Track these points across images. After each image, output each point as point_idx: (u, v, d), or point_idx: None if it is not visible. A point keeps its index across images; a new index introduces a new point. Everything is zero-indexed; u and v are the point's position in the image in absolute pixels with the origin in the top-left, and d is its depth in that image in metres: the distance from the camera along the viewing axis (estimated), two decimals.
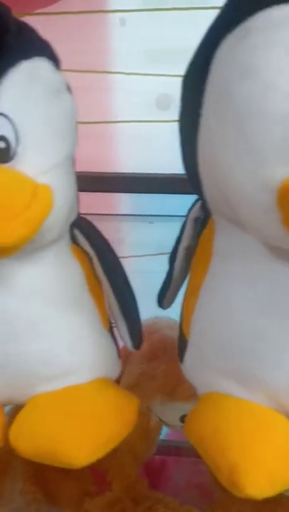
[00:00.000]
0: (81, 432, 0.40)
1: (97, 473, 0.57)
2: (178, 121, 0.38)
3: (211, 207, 0.39)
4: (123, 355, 0.52)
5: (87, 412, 0.42)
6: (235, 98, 0.29)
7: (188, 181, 0.40)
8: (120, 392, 0.46)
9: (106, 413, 0.42)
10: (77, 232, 0.44)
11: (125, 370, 0.62)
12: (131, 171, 0.71)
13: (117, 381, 0.51)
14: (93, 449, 0.40)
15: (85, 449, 0.40)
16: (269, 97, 0.28)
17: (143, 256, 0.84)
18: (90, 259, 0.45)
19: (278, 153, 0.29)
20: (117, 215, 0.77)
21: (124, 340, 0.46)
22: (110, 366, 0.47)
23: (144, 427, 0.59)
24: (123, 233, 0.82)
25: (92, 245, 0.44)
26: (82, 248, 0.45)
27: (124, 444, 0.44)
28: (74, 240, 0.45)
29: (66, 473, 0.53)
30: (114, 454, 0.52)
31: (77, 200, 0.44)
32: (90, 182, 0.86)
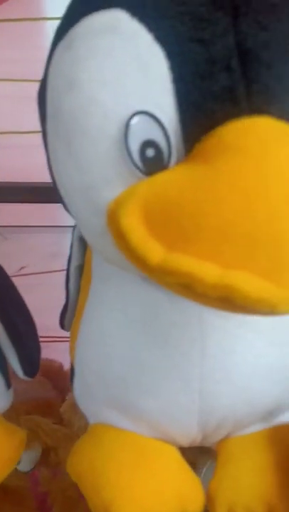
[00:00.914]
0: None
1: (39, 497, 0.56)
2: None
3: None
4: None
5: None
6: (64, 113, 0.27)
7: None
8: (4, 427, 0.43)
9: None
10: None
11: None
12: None
13: None
14: None
15: None
16: (91, 112, 0.26)
17: None
18: None
19: (103, 175, 0.26)
20: (56, 226, 0.75)
21: (14, 368, 0.44)
22: None
23: None
24: (60, 246, 0.81)
25: None
26: None
27: (64, 466, 0.42)
28: None
29: (7, 497, 0.52)
30: (53, 476, 0.49)
31: None
32: (26, 193, 0.84)
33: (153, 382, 0.35)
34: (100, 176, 0.26)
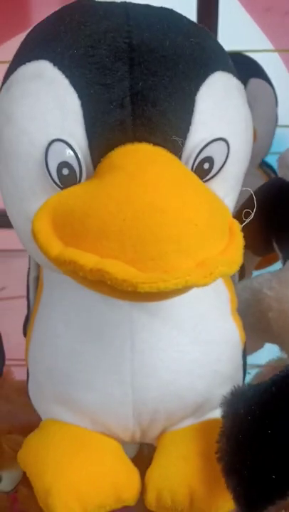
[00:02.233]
0: None
1: None
2: None
3: None
4: None
5: None
6: (4, 142, 0.34)
7: None
8: None
9: None
10: None
11: None
12: None
13: None
14: None
15: None
16: (22, 140, 0.33)
17: None
18: None
19: (32, 190, 0.33)
20: None
21: None
22: None
23: None
24: None
25: None
26: None
27: None
28: None
29: None
30: (32, 495, 0.51)
31: None
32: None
33: (91, 376, 0.40)
34: (30, 191, 0.34)
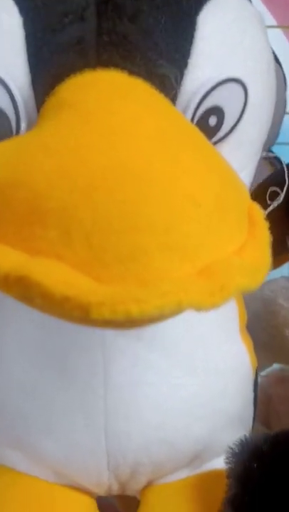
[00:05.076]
0: None
1: None
2: None
3: None
4: None
5: None
6: None
7: None
8: None
9: None
10: None
11: None
12: None
13: None
14: None
15: None
16: None
17: None
18: None
19: None
20: None
21: None
22: None
23: None
24: None
25: None
26: None
27: None
28: None
29: None
30: None
31: None
32: None
33: (52, 418, 0.30)
34: None
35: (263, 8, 0.91)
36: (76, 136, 0.17)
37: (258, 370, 0.40)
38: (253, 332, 0.37)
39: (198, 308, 0.17)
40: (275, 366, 0.58)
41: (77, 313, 0.16)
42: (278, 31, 0.89)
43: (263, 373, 0.59)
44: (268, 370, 0.56)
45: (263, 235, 0.20)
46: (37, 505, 0.31)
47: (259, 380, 0.55)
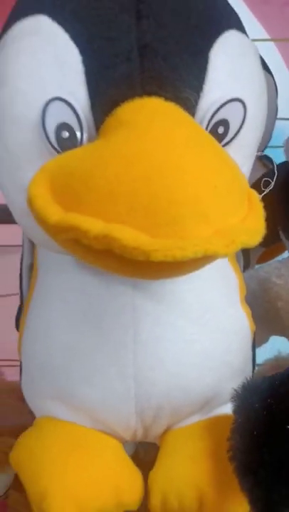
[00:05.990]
0: None
1: None
2: None
3: None
4: None
5: None
6: None
7: None
8: None
9: None
10: None
11: None
12: None
13: None
14: None
15: None
16: (16, 101, 0.29)
17: None
18: None
19: (28, 156, 0.30)
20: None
21: None
22: None
23: None
24: None
25: None
26: None
27: None
28: None
29: None
30: (24, 499, 0.48)
31: None
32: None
33: (90, 369, 0.37)
34: (25, 158, 0.30)
35: (256, 23, 0.98)
36: (135, 144, 0.26)
37: (257, 344, 0.47)
38: (251, 309, 0.43)
39: (217, 255, 0.26)
40: (270, 356, 0.64)
41: (142, 257, 0.24)
42: (271, 44, 0.96)
43: (259, 362, 0.65)
44: (264, 359, 0.62)
45: (259, 211, 0.28)
46: (77, 446, 0.38)
47: (256, 369, 0.61)
